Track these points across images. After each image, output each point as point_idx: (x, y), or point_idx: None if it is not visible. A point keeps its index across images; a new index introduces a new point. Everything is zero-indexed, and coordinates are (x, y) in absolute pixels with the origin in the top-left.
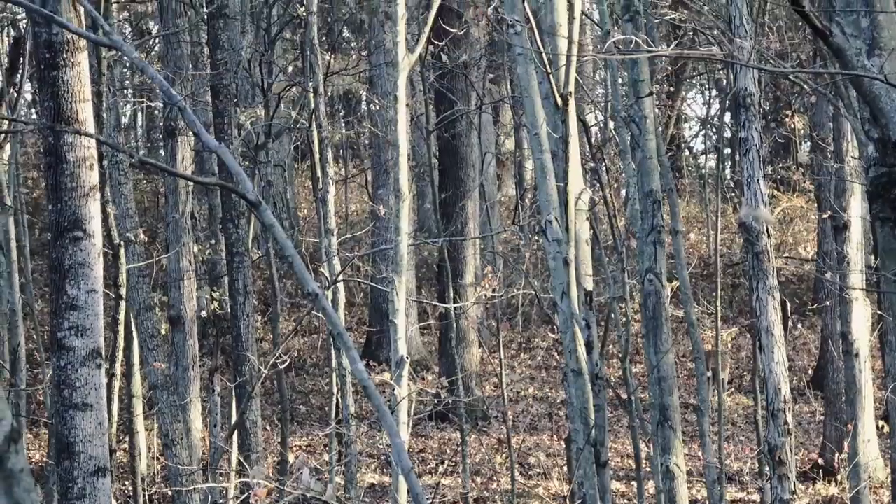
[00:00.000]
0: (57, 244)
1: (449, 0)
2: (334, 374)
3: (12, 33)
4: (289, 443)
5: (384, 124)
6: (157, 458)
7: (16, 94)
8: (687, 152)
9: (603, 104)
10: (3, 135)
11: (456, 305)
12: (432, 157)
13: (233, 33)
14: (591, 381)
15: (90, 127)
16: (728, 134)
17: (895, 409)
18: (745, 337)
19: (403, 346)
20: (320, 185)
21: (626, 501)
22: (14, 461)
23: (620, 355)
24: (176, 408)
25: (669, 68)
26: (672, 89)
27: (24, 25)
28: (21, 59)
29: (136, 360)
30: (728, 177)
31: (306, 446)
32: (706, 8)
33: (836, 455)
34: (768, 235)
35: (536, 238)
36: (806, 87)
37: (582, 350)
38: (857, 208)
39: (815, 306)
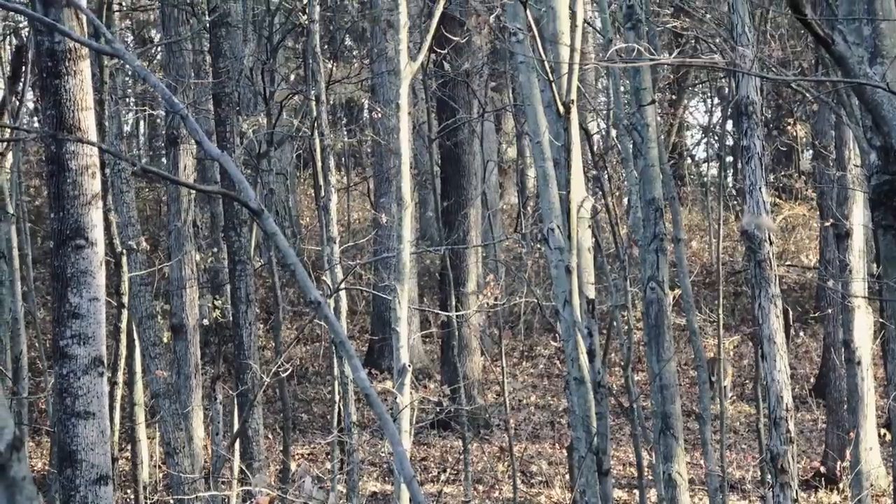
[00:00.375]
0: (59, 252)
1: (451, 8)
2: (336, 383)
3: (14, 42)
4: (291, 451)
5: (386, 132)
6: (159, 467)
7: (18, 103)
8: (689, 160)
9: (605, 112)
10: (5, 143)
11: (458, 313)
12: (434, 166)
13: (235, 41)
14: (594, 389)
15: (92, 135)
16: (730, 142)
17: None
18: (747, 345)
19: (405, 354)
20: (322, 194)
21: None
22: (16, 469)
23: (622, 363)
24: (178, 416)
25: (671, 76)
26: (674, 97)
27: (27, 34)
28: (23, 68)
29: (138, 368)
30: (730, 185)
31: (308, 454)
32: (708, 16)
33: (839, 463)
34: (770, 243)
35: (538, 246)
36: (808, 95)
37: (584, 358)
38: (859, 216)
39: (817, 314)
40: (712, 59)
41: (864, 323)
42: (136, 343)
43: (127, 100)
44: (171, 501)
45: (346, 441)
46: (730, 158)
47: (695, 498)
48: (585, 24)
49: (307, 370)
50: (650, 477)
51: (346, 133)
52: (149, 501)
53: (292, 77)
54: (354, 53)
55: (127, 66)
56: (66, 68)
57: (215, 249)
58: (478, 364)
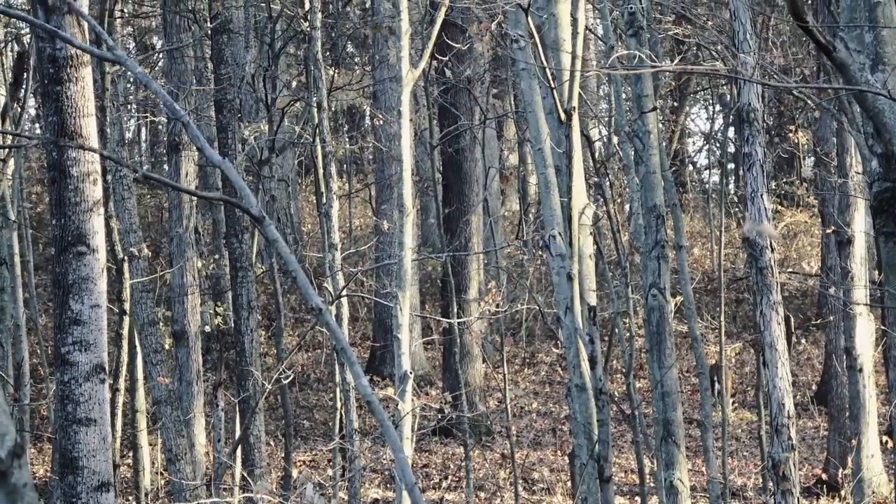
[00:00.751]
0: (60, 259)
1: (452, 15)
2: (338, 389)
3: (16, 48)
4: (292, 458)
5: (388, 139)
6: (161, 473)
7: (19, 109)
8: (691, 167)
9: (607, 119)
10: (6, 150)
11: (460, 320)
12: (436, 172)
13: (236, 48)
14: (595, 396)
15: (94, 142)
16: (731, 149)
17: None
18: (749, 352)
19: (407, 361)
20: (324, 200)
21: None
22: (18, 476)
23: (624, 370)
24: (180, 423)
25: (673, 83)
26: (676, 104)
27: (28, 40)
28: (25, 74)
29: (139, 374)
30: (732, 192)
31: (310, 461)
32: (710, 23)
33: (840, 470)
34: (772, 250)
35: (540, 253)
36: (809, 102)
37: (585, 365)
38: (860, 223)
39: (818, 321)
40: (714, 66)
41: (865, 330)
42: (138, 350)
43: (128, 106)
44: None
45: (348, 448)
46: (731, 165)
47: None
48: (587, 32)
49: (309, 377)
50: (652, 484)
51: (347, 140)
52: None
53: (294, 84)
54: (356, 60)
55: (128, 72)
56: (68, 75)
57: (217, 256)
58: (479, 371)
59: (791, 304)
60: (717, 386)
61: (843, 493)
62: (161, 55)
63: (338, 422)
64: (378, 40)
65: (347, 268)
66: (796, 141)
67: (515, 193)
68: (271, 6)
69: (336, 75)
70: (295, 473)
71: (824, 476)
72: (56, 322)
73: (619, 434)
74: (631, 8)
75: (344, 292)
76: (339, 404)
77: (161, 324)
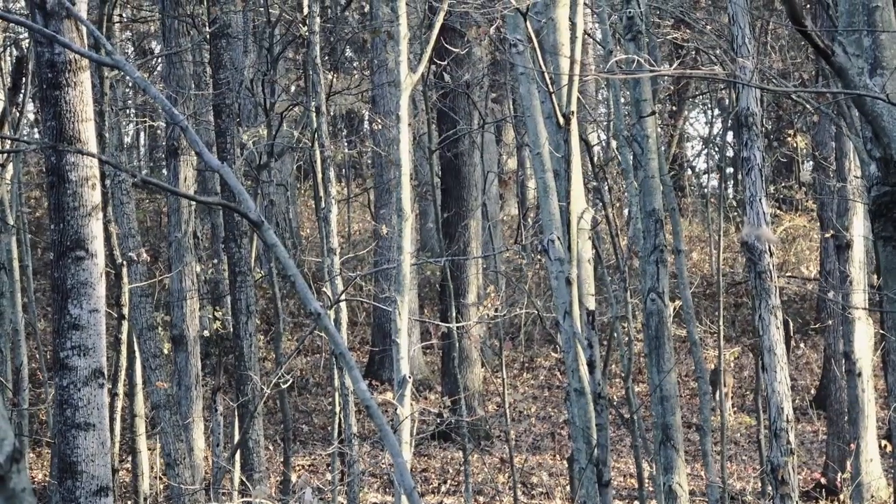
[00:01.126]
0: (59, 264)
1: (451, 20)
2: (337, 394)
3: (15, 53)
4: (291, 462)
5: (386, 144)
6: (160, 478)
7: (18, 114)
8: (689, 171)
9: (605, 123)
10: (5, 154)
11: (458, 325)
12: (434, 177)
13: (235, 53)
14: (594, 401)
15: (92, 146)
16: (730, 153)
17: None
18: (748, 356)
19: (406, 365)
20: (322, 205)
21: None
22: (16, 481)
23: (623, 374)
24: (178, 427)
25: (672, 88)
26: (674, 109)
27: (27, 45)
28: (23, 79)
29: (138, 379)
30: (730, 196)
31: (309, 466)
32: (708, 28)
33: (839, 475)
34: (771, 255)
35: (539, 257)
36: (808, 106)
37: (584, 369)
38: (859, 227)
39: (817, 325)
40: (713, 70)
41: (864, 334)
42: (137, 354)
43: (127, 111)
44: None
45: (347, 452)
46: (730, 170)
47: None
48: (586, 36)
49: (308, 381)
50: (650, 488)
51: (346, 144)
52: None
53: (293, 88)
54: (355, 65)
55: (127, 77)
56: (67, 79)
57: (216, 260)
58: (478, 375)
59: (790, 309)
60: (721, 389)
61: (841, 497)
62: (159, 60)
63: (337, 426)
64: (377, 45)
65: (346, 272)
66: (795, 145)
67: (514, 198)
68: (270, 11)
69: (335, 80)
70: (294, 478)
71: (823, 480)
72: (55, 327)
73: (618, 438)
74: (629, 12)
75: (343, 297)
76: (337, 409)
77: (160, 328)
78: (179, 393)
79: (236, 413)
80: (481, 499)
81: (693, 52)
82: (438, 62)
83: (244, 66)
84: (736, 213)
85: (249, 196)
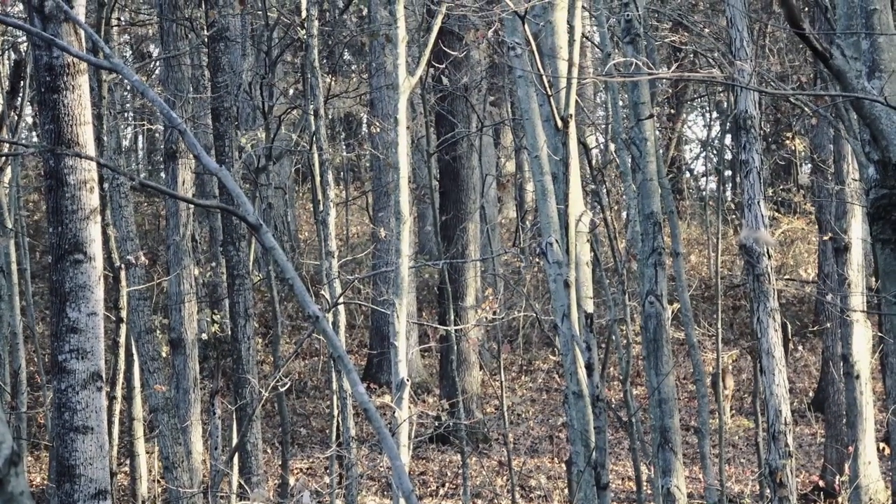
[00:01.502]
0: (57, 267)
1: (449, 23)
2: (335, 397)
3: (13, 56)
4: (289, 465)
5: (385, 147)
6: (158, 481)
7: (16, 117)
8: (688, 174)
9: (603, 126)
10: (3, 158)
11: (457, 328)
12: (433, 180)
13: (233, 56)
14: (592, 404)
15: (91, 150)
16: (729, 156)
17: None
18: (746, 359)
19: (404, 368)
20: (321, 208)
21: None
22: (15, 484)
23: (621, 377)
24: (177, 430)
25: (670, 91)
26: (673, 112)
27: (25, 48)
28: (22, 82)
29: (136, 382)
30: (729, 199)
31: (307, 469)
32: (707, 30)
33: (837, 477)
34: (769, 257)
35: (537, 260)
36: (806, 109)
37: (583, 372)
38: (857, 230)
39: (815, 328)
40: (711, 73)
41: (862, 337)
42: (135, 357)
43: (125, 114)
44: None
45: (345, 455)
46: (728, 172)
47: None
48: (584, 39)
49: (306, 384)
50: (649, 491)
51: (344, 147)
52: None
53: (291, 91)
54: (353, 68)
55: (125, 80)
56: (65, 83)
57: (214, 264)
58: (476, 378)
59: (788, 311)
60: (721, 391)
61: (839, 499)
62: (158, 63)
63: (335, 429)
64: (375, 48)
65: (344, 275)
66: (793, 148)
67: (512, 201)
68: (268, 14)
69: (333, 83)
70: (292, 481)
71: (821, 483)
72: (53, 330)
73: (616, 441)
74: (628, 15)
75: (341, 300)
76: (336, 412)
77: (158, 331)
78: (178, 396)
79: (234, 416)
80: (479, 502)
81: (691, 55)
82: (437, 65)
83: (242, 69)
84: (734, 216)
85: (248, 199)
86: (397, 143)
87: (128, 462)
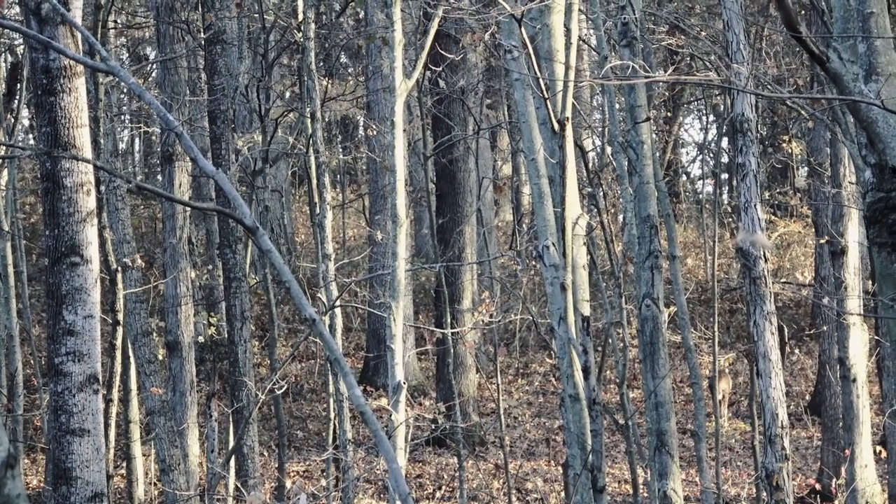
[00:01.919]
0: (54, 269)
1: (446, 26)
2: (332, 400)
3: (10, 59)
4: (286, 468)
5: (381, 149)
6: (155, 484)
7: (13, 120)
8: (684, 177)
9: (600, 129)
10: (0, 160)
11: (453, 331)
12: (430, 183)
13: (230, 59)
14: (589, 407)
15: (87, 152)
16: (725, 159)
17: (892, 434)
18: (743, 362)
19: (401, 371)
20: (317, 211)
21: None
22: (11, 487)
23: (618, 380)
24: (173, 433)
25: (667, 94)
26: (669, 114)
27: (22, 51)
28: (18, 85)
29: (133, 385)
30: (725, 202)
31: (304, 472)
32: (703, 34)
33: (834, 480)
34: (765, 260)
35: (534, 263)
36: (803, 112)
37: (579, 375)
38: (854, 233)
39: (812, 331)
40: (707, 76)
41: (859, 340)
42: (132, 360)
43: (122, 117)
44: None
45: (342, 458)
46: (725, 175)
47: None
48: (581, 42)
49: (302, 387)
50: (645, 494)
51: (341, 150)
52: None
53: (287, 94)
54: (350, 71)
55: (122, 83)
56: (61, 86)
57: (210, 267)
58: (473, 381)
59: (784, 315)
60: (717, 394)
61: (836, 502)
62: (154, 66)
63: (331, 432)
64: (371, 51)
65: (341, 278)
66: (790, 151)
67: (509, 204)
68: (265, 17)
69: (330, 86)
70: (288, 484)
71: (818, 486)
72: (49, 333)
73: (612, 444)
74: (624, 18)
75: (337, 303)
76: (332, 415)
77: (154, 334)
78: (174, 399)
79: (231, 419)
80: None
81: (688, 58)
82: (433, 68)
83: (239, 72)
84: (731, 219)
85: (244, 202)
86: (394, 146)
87: (124, 465)
